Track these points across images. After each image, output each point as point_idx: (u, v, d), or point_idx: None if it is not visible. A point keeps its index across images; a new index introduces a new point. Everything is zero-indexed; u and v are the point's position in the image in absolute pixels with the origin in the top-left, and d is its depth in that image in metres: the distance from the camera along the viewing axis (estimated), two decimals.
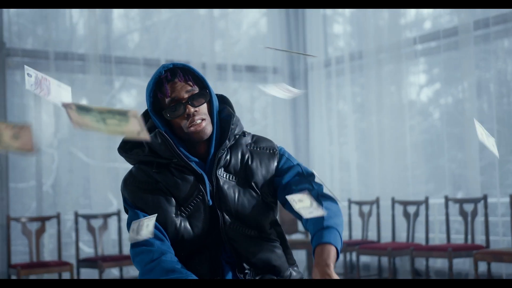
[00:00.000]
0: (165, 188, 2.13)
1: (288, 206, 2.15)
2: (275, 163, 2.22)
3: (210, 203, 2.13)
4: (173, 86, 2.10)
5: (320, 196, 2.12)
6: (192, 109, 2.09)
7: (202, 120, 2.11)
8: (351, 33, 7.36)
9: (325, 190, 2.16)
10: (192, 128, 2.10)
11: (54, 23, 6.37)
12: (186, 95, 2.10)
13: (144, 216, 2.10)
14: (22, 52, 6.22)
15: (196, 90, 2.13)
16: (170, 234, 2.12)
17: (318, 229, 2.01)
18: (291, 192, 2.13)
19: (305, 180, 2.18)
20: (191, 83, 2.12)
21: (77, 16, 6.68)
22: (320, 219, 2.02)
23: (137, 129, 1.56)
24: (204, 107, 2.13)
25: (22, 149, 1.53)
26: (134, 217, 2.13)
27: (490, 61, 5.88)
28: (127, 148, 2.20)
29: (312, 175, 2.21)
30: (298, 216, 2.10)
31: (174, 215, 2.12)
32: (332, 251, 1.96)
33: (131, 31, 7.22)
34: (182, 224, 2.13)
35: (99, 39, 6.47)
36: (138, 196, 2.14)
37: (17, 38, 6.24)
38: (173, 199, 2.13)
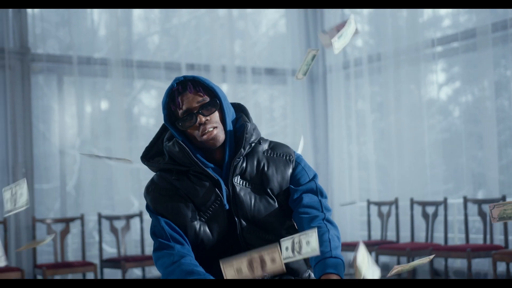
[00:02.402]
0: (185, 194, 2.23)
1: (295, 217, 2.23)
2: (290, 170, 2.28)
3: (227, 207, 2.21)
4: (184, 98, 2.20)
5: (326, 221, 2.19)
6: (203, 118, 2.18)
7: (214, 128, 2.19)
8: (369, 33, 7.38)
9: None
10: (204, 137, 2.18)
11: (75, 26, 6.47)
12: (197, 105, 2.19)
13: (166, 222, 2.21)
14: (46, 57, 6.34)
15: (207, 99, 2.21)
16: (190, 238, 2.22)
17: (325, 257, 2.07)
18: (299, 212, 2.22)
19: (315, 202, 2.24)
20: (201, 94, 2.21)
21: (98, 18, 6.77)
22: (327, 247, 2.09)
23: None
24: (215, 116, 2.21)
25: None
26: (156, 223, 2.23)
27: (511, 60, 5.88)
28: (149, 156, 2.30)
29: (325, 197, 2.27)
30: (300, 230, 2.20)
31: (193, 220, 2.21)
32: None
33: (151, 33, 7.31)
34: (202, 228, 2.22)
35: (120, 41, 6.57)
36: (159, 202, 2.24)
37: (40, 42, 6.36)
38: (192, 205, 2.22)
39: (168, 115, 2.23)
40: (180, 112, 2.20)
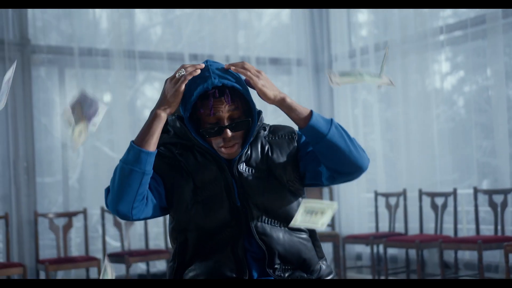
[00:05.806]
0: (186, 168, 2.15)
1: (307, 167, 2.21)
2: (295, 143, 2.23)
3: (238, 203, 2.14)
4: (217, 105, 2.07)
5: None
6: (229, 134, 2.09)
7: (236, 144, 2.12)
8: (375, 22, 7.26)
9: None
10: (223, 150, 2.11)
11: (77, 18, 6.36)
12: (228, 117, 2.09)
13: (157, 181, 2.14)
14: (47, 48, 6.23)
15: (241, 116, 2.11)
16: (179, 214, 2.15)
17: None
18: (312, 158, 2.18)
19: None
20: (237, 105, 2.10)
21: (100, 10, 6.66)
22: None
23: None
24: (241, 132, 2.13)
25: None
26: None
27: None
28: None
29: None
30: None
31: (187, 195, 2.13)
32: (302, 108, 2.08)
33: (154, 24, 7.21)
34: (194, 206, 2.13)
35: (123, 33, 6.46)
36: (158, 164, 2.16)
37: (41, 34, 6.26)
38: (192, 181, 2.14)
39: (191, 114, 2.12)
40: (207, 117, 2.09)
